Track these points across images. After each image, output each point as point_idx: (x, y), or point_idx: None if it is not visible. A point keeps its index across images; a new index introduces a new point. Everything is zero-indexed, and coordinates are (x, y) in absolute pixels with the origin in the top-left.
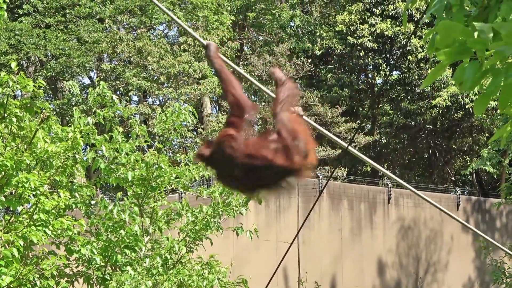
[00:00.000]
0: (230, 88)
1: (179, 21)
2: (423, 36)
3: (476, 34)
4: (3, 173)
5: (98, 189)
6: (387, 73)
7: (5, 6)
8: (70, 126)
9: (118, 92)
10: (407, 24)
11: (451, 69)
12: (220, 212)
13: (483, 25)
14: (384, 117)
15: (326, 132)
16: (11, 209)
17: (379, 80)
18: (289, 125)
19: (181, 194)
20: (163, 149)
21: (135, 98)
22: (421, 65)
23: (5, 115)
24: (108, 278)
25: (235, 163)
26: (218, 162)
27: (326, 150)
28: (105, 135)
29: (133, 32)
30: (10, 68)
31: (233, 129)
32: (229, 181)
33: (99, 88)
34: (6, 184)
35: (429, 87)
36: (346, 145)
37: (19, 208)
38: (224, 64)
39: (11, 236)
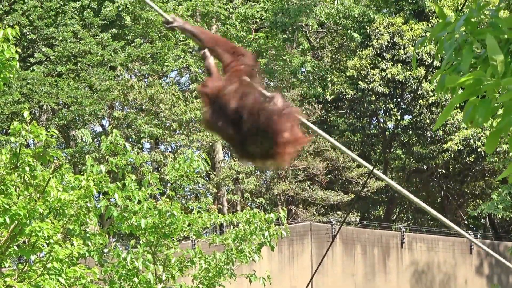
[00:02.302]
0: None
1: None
2: (432, 78)
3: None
4: (16, 222)
5: (111, 237)
6: (399, 117)
7: (17, 56)
8: (83, 174)
9: (130, 140)
10: (418, 68)
11: (462, 113)
12: (234, 259)
13: (497, 56)
14: (396, 162)
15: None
16: (25, 258)
17: (390, 125)
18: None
19: (194, 241)
20: (175, 196)
21: (147, 146)
22: (433, 109)
23: (18, 164)
24: None
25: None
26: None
27: (339, 195)
28: (118, 183)
29: (145, 80)
30: (23, 117)
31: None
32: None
33: (111, 136)
34: (19, 233)
35: (440, 131)
36: (371, 167)
37: (33, 257)
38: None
39: (25, 285)
